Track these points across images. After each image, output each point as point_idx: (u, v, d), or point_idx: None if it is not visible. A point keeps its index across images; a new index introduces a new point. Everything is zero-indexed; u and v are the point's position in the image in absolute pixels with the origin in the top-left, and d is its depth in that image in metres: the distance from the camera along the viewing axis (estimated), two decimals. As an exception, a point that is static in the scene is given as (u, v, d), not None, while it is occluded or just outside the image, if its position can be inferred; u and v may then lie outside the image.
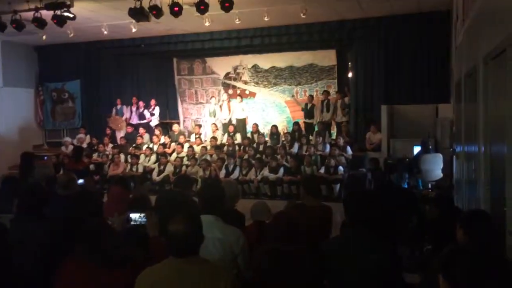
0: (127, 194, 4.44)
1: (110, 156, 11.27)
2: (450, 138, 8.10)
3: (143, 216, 2.99)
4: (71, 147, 10.98)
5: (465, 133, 6.27)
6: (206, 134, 12.76)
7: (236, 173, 10.11)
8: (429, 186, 8.12)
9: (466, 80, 5.76)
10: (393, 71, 11.15)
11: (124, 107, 13.37)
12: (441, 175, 8.22)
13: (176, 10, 8.05)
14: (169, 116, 14.31)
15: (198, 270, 2.25)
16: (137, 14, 8.19)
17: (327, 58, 13.37)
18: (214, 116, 13.09)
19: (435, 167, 8.19)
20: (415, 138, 9.55)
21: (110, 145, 12.00)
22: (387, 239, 2.95)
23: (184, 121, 14.92)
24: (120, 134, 12.89)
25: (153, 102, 13.27)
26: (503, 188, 3.21)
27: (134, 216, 3.01)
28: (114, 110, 13.32)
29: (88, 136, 12.74)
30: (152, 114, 13.14)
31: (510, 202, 2.94)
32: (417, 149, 9.20)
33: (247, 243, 3.20)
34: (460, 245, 2.36)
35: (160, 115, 13.41)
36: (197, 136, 12.22)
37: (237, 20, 9.78)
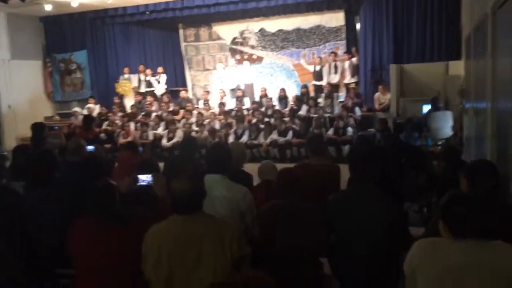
0: (136, 158, 4.49)
1: (120, 125, 11.35)
2: (460, 95, 7.99)
3: (151, 177, 3.04)
4: (81, 118, 11.07)
5: (474, 89, 6.19)
6: (215, 100, 12.74)
7: (245, 138, 10.15)
8: (439, 144, 8.09)
9: (475, 33, 5.64)
10: (402, 30, 10.92)
11: (132, 76, 13.36)
12: (451, 132, 8.17)
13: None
14: (177, 84, 14.30)
15: (203, 224, 2.30)
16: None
17: (334, 19, 13.10)
18: (222, 82, 13.04)
19: (445, 124, 8.14)
20: (424, 97, 9.45)
21: (120, 114, 12.07)
22: (392, 194, 2.97)
23: (192, 88, 14.89)
24: (129, 102, 12.94)
25: (160, 69, 13.23)
26: (509, 142, 3.20)
27: (142, 177, 3.07)
28: (120, 78, 13.33)
29: (97, 106, 12.80)
30: (158, 82, 13.13)
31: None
32: (426, 108, 9.13)
33: (254, 201, 3.25)
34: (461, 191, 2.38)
35: (168, 83, 13.39)
36: (205, 102, 12.23)
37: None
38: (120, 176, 3.76)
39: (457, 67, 9.38)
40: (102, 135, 10.87)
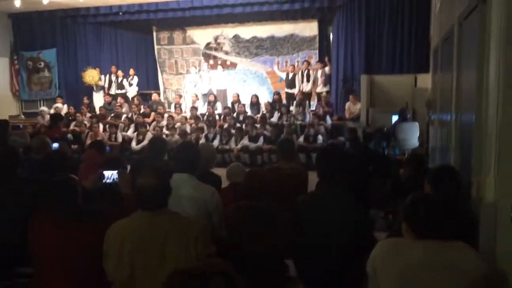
0: (102, 157, 4.40)
1: (88, 126, 11.11)
2: (427, 107, 8.21)
3: (117, 174, 2.99)
4: (47, 117, 10.78)
5: (440, 101, 6.36)
6: (187, 104, 12.66)
7: (216, 142, 10.11)
8: (405, 154, 8.27)
9: (442, 45, 5.81)
10: (374, 42, 11.19)
11: (103, 76, 13.14)
12: (417, 143, 8.37)
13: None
14: (149, 87, 14.15)
15: (168, 221, 2.27)
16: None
17: (308, 28, 13.29)
18: (195, 86, 12.98)
19: (412, 135, 8.33)
20: (394, 108, 9.66)
21: (88, 115, 11.83)
22: (359, 201, 3.00)
23: (164, 91, 14.76)
24: (98, 102, 12.69)
25: (132, 71, 13.07)
26: (471, 153, 3.29)
27: (108, 173, 3.01)
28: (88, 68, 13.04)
29: (65, 106, 12.51)
30: (130, 84, 12.96)
31: (475, 167, 3.00)
32: (395, 119, 9.32)
33: (222, 203, 3.23)
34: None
35: (140, 85, 13.23)
36: (177, 106, 12.14)
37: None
38: (85, 174, 3.68)
39: (425, 80, 9.64)
40: (69, 135, 10.61)
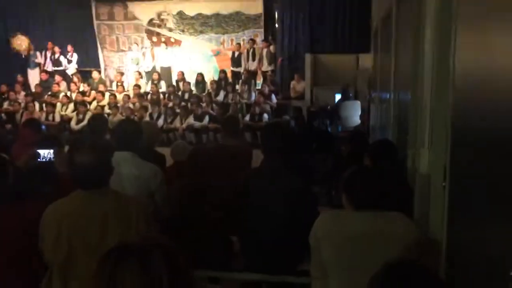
0: (37, 137, 4.16)
1: (22, 105, 10.51)
2: (368, 87, 8.47)
3: (52, 153, 2.84)
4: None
5: (380, 81, 6.57)
6: (129, 82, 12.26)
7: (160, 122, 9.92)
8: (348, 131, 8.51)
9: (381, 27, 5.97)
10: (318, 21, 11.32)
11: (38, 53, 12.42)
12: (359, 121, 8.64)
13: None
14: (89, 64, 13.53)
15: (107, 200, 2.19)
16: None
17: (253, 6, 13.17)
18: (137, 64, 12.58)
19: (354, 113, 8.59)
20: (337, 87, 9.87)
21: (23, 93, 11.17)
22: (301, 174, 3.05)
23: (105, 69, 14.17)
24: (34, 80, 12.01)
25: (70, 48, 12.45)
26: (406, 129, 3.43)
27: (43, 152, 2.85)
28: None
29: (-3, 84, 11.74)
30: (69, 61, 12.35)
31: (411, 141, 3.14)
32: (338, 97, 9.55)
33: (166, 181, 3.17)
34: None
35: (79, 63, 12.64)
36: (119, 84, 11.73)
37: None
38: (19, 155, 3.48)
39: (367, 60, 9.90)
40: (2, 115, 10.01)
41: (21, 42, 12.09)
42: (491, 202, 1.72)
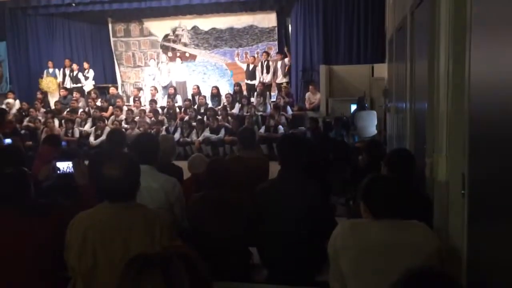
0: (56, 153, 4.24)
1: (42, 121, 10.73)
2: (384, 96, 8.43)
3: (71, 165, 2.88)
4: (-1, 113, 10.31)
5: (395, 90, 6.54)
6: (146, 97, 12.44)
7: (177, 135, 10.01)
8: (364, 141, 8.46)
9: (396, 36, 5.96)
10: (331, 32, 11.37)
11: (57, 70, 12.70)
12: (376, 131, 8.59)
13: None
14: (106, 80, 13.79)
15: (132, 214, 2.22)
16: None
17: (267, 19, 13.30)
18: (154, 79, 12.77)
19: (370, 123, 8.54)
20: (352, 98, 9.86)
21: (43, 110, 11.41)
22: (319, 183, 3.05)
23: (122, 85, 14.43)
24: (53, 99, 12.27)
25: (86, 65, 12.69)
26: (424, 139, 3.41)
27: (61, 165, 2.90)
28: (45, 74, 12.64)
29: (17, 101, 12.01)
30: (86, 78, 12.59)
31: (428, 150, 3.12)
32: (354, 108, 9.53)
33: (184, 194, 3.20)
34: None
35: (96, 79, 12.88)
36: (136, 99, 11.91)
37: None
38: (39, 170, 3.55)
39: (382, 70, 9.88)
40: (23, 131, 10.21)
41: (51, 85, 12.45)
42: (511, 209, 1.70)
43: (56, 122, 10.72)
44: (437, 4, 2.60)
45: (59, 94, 12.28)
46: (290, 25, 12.62)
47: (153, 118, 10.77)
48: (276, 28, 13.25)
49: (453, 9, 2.27)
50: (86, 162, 3.39)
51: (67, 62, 12.68)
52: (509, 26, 1.59)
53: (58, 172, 2.92)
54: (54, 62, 12.72)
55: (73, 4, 12.27)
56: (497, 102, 1.72)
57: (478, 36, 1.96)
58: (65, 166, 2.93)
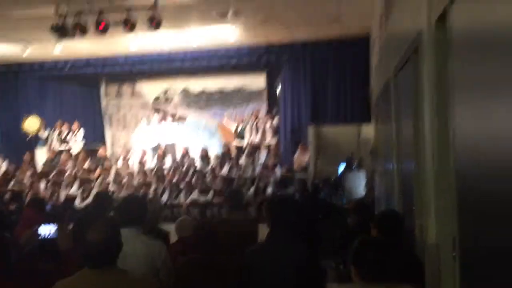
0: (41, 217, 4.12)
1: (28, 184, 10.55)
2: (371, 156, 8.51)
3: (55, 230, 2.81)
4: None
5: (382, 151, 6.62)
6: (134, 159, 12.40)
7: (165, 197, 9.91)
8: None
9: (381, 97, 6.13)
10: (319, 93, 11.63)
11: (47, 132, 12.68)
12: (364, 192, 8.57)
13: (101, 28, 7.83)
14: (96, 140, 13.76)
15: (115, 280, 2.15)
16: (60, 30, 7.89)
17: (256, 82, 13.65)
18: (143, 141, 12.82)
19: (358, 184, 8.55)
20: (340, 158, 9.91)
21: (29, 173, 11.24)
22: (308, 247, 2.99)
23: (112, 146, 14.42)
24: (42, 155, 12.13)
25: (75, 126, 12.66)
26: (412, 199, 3.41)
27: (44, 230, 2.82)
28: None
29: (5, 163, 11.85)
30: (75, 140, 12.57)
31: (417, 212, 3.11)
32: (342, 168, 9.55)
33: (170, 258, 3.11)
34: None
35: (86, 139, 12.86)
36: (124, 161, 11.86)
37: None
38: (22, 234, 3.44)
39: (369, 130, 10.04)
40: (7, 195, 10.01)
41: (32, 125, 12.27)
42: (504, 271, 1.67)
43: (42, 185, 10.55)
44: (420, 66, 2.69)
45: (46, 156, 12.12)
46: (279, 86, 12.93)
47: (141, 180, 10.69)
48: (266, 90, 13.57)
49: (435, 71, 2.35)
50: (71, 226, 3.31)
51: (58, 124, 12.65)
52: (490, 83, 1.64)
53: (40, 237, 2.82)
54: (45, 124, 12.70)
55: (66, 69, 12.50)
56: (483, 159, 1.74)
57: (461, 95, 2.01)
58: (48, 230, 2.84)
